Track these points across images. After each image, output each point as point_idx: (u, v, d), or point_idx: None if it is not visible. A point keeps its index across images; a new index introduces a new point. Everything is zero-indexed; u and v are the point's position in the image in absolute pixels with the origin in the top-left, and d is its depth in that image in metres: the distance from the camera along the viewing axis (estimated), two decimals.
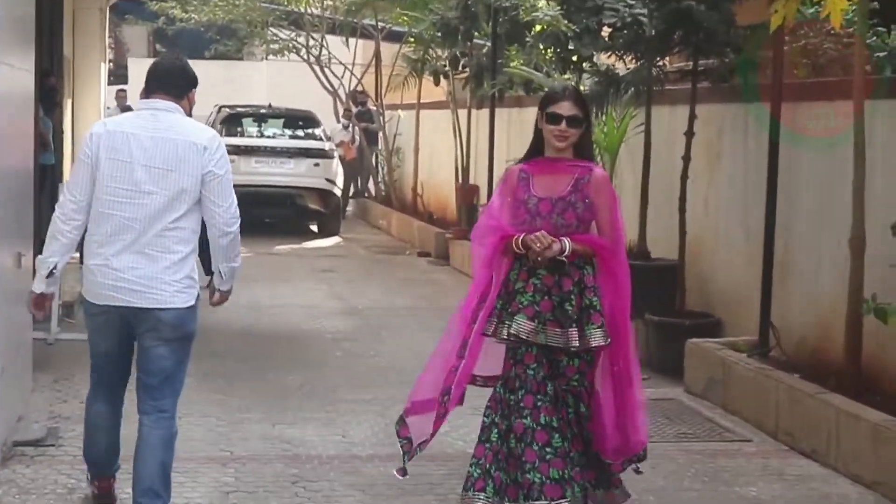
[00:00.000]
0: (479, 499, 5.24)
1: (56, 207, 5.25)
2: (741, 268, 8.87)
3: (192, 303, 5.18)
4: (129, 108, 15.45)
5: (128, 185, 5.08)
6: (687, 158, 9.13)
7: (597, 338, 5.21)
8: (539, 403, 5.22)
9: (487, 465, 5.27)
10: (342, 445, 6.84)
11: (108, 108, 20.17)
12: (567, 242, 5.17)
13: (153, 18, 25.45)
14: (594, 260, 5.30)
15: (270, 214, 18.40)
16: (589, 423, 5.31)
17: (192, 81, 5.36)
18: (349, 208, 22.02)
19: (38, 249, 5.19)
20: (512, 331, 5.23)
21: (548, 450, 5.17)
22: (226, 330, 9.99)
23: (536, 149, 5.45)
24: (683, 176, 9.14)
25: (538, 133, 5.42)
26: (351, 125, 21.52)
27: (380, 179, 21.88)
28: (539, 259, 5.18)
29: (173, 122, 5.18)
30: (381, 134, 21.35)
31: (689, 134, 9.13)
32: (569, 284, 5.23)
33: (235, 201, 5.20)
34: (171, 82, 5.28)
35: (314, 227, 19.05)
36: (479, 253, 5.44)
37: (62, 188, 9.89)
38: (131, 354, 5.31)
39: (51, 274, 5.20)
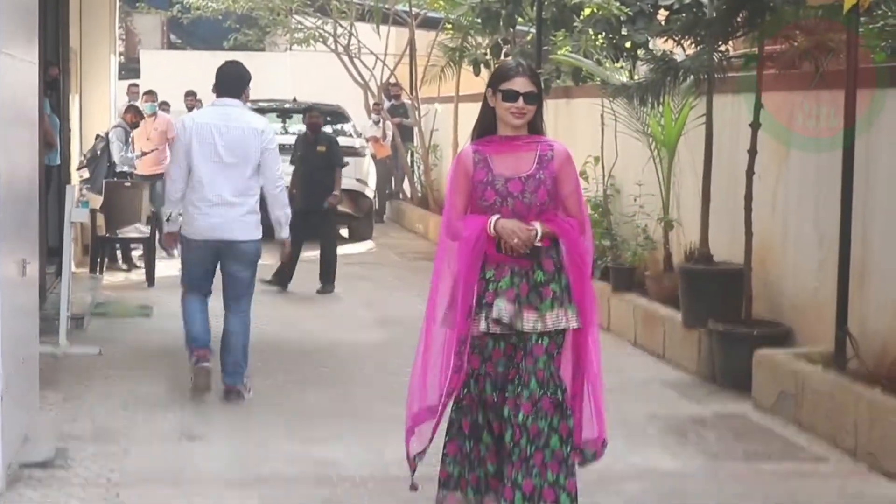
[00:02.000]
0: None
1: (167, 179, 8.44)
2: (814, 271, 8.83)
3: (260, 236, 8.24)
4: (135, 108, 15.47)
5: (215, 158, 8.08)
6: (753, 152, 9.08)
7: (576, 318, 5.52)
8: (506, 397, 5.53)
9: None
10: (378, 466, 6.85)
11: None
12: (538, 226, 5.47)
13: (167, 7, 25.61)
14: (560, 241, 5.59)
15: None
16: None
17: (247, 82, 8.44)
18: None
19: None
20: (494, 315, 5.46)
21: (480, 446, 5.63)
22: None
23: (487, 128, 5.63)
24: (749, 171, 9.10)
25: (489, 111, 5.63)
26: (382, 120, 21.50)
27: (416, 179, 21.91)
28: (513, 250, 5.46)
29: (239, 114, 8.26)
30: (416, 130, 21.38)
31: (755, 125, 9.10)
32: (551, 266, 5.54)
33: (281, 166, 8.31)
34: (234, 86, 8.34)
35: (344, 232, 19.11)
36: (462, 246, 5.56)
37: (69, 190, 10.02)
38: (214, 273, 8.35)
39: (169, 219, 8.38)
